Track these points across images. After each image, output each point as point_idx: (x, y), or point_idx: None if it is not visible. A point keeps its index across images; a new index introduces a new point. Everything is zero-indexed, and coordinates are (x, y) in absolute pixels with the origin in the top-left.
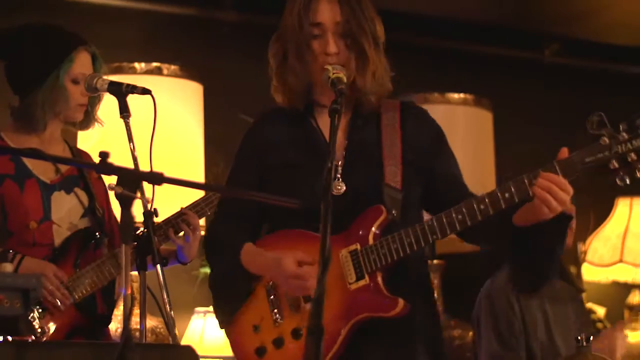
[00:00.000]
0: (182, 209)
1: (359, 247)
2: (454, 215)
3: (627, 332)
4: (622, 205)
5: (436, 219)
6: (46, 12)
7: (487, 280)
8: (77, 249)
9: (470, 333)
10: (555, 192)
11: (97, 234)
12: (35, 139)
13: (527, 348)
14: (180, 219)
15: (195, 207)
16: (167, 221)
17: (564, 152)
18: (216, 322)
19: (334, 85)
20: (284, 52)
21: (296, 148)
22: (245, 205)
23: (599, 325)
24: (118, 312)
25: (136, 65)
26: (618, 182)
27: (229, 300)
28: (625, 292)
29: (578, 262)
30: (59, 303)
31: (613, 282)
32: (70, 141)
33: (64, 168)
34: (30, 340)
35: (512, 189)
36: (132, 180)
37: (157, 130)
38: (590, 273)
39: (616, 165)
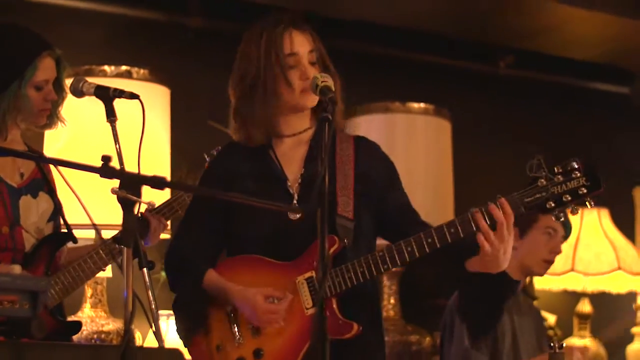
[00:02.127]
0: (148, 209)
1: (314, 274)
2: (403, 246)
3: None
4: (573, 216)
5: (387, 249)
6: (14, 14)
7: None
8: (48, 253)
9: (428, 338)
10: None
11: (68, 238)
12: None
13: (493, 354)
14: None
15: (167, 207)
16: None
17: (502, 199)
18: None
19: (324, 93)
20: (249, 90)
21: (255, 179)
22: (208, 227)
23: (550, 332)
24: (81, 314)
25: (106, 68)
26: (554, 219)
27: (190, 322)
28: (575, 301)
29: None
30: None
31: (563, 291)
32: (36, 142)
33: (27, 172)
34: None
35: (458, 225)
36: (134, 184)
37: (125, 134)
38: (541, 281)
39: (552, 204)
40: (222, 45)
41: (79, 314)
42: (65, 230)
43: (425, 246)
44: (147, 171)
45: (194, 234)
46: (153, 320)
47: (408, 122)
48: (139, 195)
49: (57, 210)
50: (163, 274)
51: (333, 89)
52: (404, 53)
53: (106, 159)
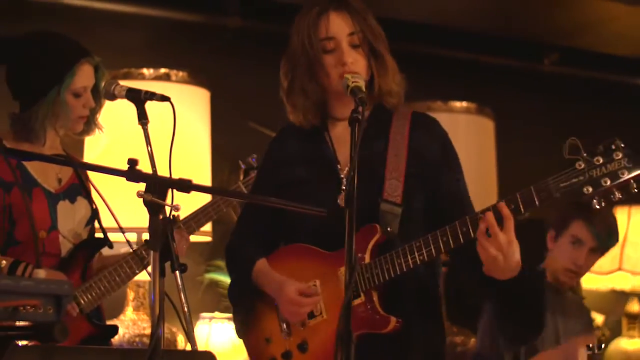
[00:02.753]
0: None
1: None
2: (439, 237)
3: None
4: (621, 214)
5: (423, 240)
6: (54, 18)
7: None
8: (84, 258)
9: (473, 339)
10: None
11: (103, 243)
12: (34, 148)
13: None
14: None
15: (203, 212)
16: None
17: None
18: (221, 327)
19: (354, 93)
20: (293, 73)
21: (306, 163)
22: (263, 220)
23: (598, 333)
24: (123, 317)
25: (145, 71)
26: (595, 205)
27: (242, 312)
28: (623, 300)
29: None
30: (72, 312)
31: (611, 290)
32: (76, 148)
33: (65, 177)
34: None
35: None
36: (161, 187)
37: (164, 137)
38: (589, 281)
39: (590, 189)
40: (261, 45)
41: (121, 317)
42: (101, 236)
43: (460, 236)
44: (187, 174)
45: (250, 226)
46: (186, 323)
47: (450, 121)
48: (165, 198)
49: (94, 215)
50: (207, 276)
51: (364, 89)
52: (447, 51)
53: (132, 162)
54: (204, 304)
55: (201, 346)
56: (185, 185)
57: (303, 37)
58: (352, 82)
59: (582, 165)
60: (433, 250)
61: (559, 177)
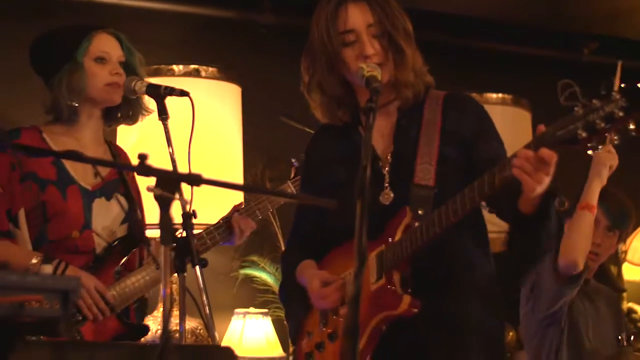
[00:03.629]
0: (234, 209)
1: (384, 247)
2: (449, 206)
3: None
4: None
5: (436, 212)
6: (85, 15)
7: (532, 276)
8: (119, 257)
9: (512, 333)
10: (527, 168)
11: (136, 244)
12: (73, 141)
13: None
14: (230, 221)
15: (248, 211)
16: (218, 226)
17: (540, 128)
18: (255, 322)
19: (369, 83)
20: (313, 68)
21: (345, 165)
22: (312, 223)
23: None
24: (158, 314)
25: (174, 67)
26: (590, 152)
27: (291, 314)
28: None
29: (618, 261)
30: (99, 316)
31: None
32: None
33: (104, 172)
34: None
35: (495, 172)
36: (171, 182)
37: (196, 132)
38: (630, 272)
39: (584, 134)
40: (293, 41)
41: (155, 313)
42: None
43: (468, 202)
44: (220, 170)
45: (300, 230)
46: (205, 318)
47: None
48: (176, 192)
49: (132, 212)
50: (241, 272)
51: (379, 79)
52: (483, 43)
53: (142, 157)
54: (238, 299)
55: (235, 342)
56: (195, 180)
57: (322, 31)
58: (368, 72)
59: (580, 111)
60: (453, 211)
61: (555, 125)
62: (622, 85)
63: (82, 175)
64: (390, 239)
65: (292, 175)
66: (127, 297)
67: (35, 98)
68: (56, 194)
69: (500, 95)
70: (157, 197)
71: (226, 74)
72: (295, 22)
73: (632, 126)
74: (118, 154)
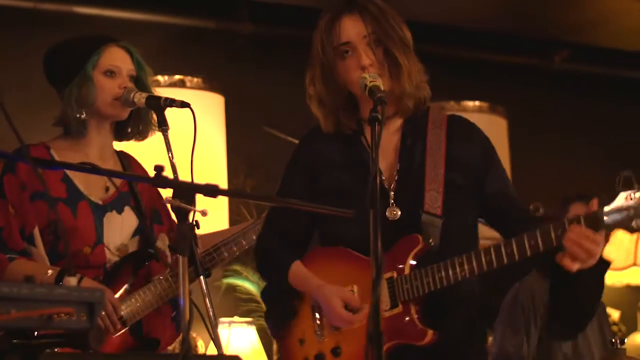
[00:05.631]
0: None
1: (395, 275)
2: (482, 256)
3: None
4: None
5: (466, 257)
6: (68, 28)
7: (515, 285)
8: (130, 271)
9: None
10: (585, 246)
11: (147, 258)
12: (81, 156)
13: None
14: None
15: (244, 235)
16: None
17: (594, 205)
18: (240, 331)
19: (372, 93)
20: (314, 81)
21: (349, 171)
22: (293, 221)
23: (614, 328)
24: None
25: (160, 78)
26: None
27: (279, 315)
28: (638, 295)
29: None
30: (111, 329)
31: (627, 286)
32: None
33: (114, 187)
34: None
35: (539, 238)
36: (188, 193)
37: (182, 143)
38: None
39: (638, 224)
40: (272, 50)
41: None
42: (151, 250)
43: (505, 257)
44: (204, 179)
45: (279, 227)
46: (211, 328)
47: None
48: (192, 203)
49: (142, 225)
50: (224, 281)
51: (382, 88)
52: (458, 51)
53: (159, 168)
54: (222, 308)
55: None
56: (212, 190)
57: (318, 45)
58: (370, 82)
59: (632, 199)
60: (478, 265)
61: (609, 209)
62: None
63: (92, 189)
64: (400, 265)
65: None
66: (137, 311)
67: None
68: (66, 211)
69: (477, 103)
70: (174, 209)
71: (210, 84)
72: (274, 31)
73: None
74: (130, 164)
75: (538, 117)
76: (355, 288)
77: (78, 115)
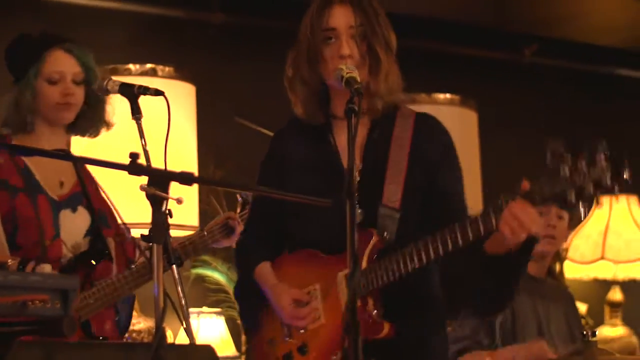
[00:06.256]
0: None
1: None
2: (430, 244)
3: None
4: (603, 203)
5: (415, 247)
6: (37, 15)
7: None
8: (84, 269)
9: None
10: (521, 218)
11: (96, 259)
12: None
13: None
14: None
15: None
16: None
17: (525, 185)
18: (209, 322)
19: (349, 84)
20: (297, 62)
21: (314, 172)
22: (271, 223)
23: (582, 321)
24: None
25: (131, 66)
26: (582, 216)
27: (248, 311)
28: (605, 289)
29: (560, 259)
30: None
31: (594, 279)
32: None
33: (68, 185)
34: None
35: (479, 221)
36: (163, 181)
37: (150, 132)
38: (571, 270)
39: (573, 198)
40: (244, 40)
41: None
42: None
43: (449, 243)
44: (174, 169)
45: (256, 226)
46: (184, 317)
47: (434, 113)
48: (167, 191)
49: (95, 225)
50: (193, 271)
51: (359, 80)
52: (428, 44)
53: (134, 156)
54: (191, 298)
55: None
56: (188, 178)
57: (306, 27)
58: (347, 73)
59: (567, 172)
60: (426, 255)
61: (543, 185)
62: (607, 152)
63: (49, 183)
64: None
65: (239, 210)
66: (90, 308)
67: None
68: (26, 201)
69: (448, 95)
70: (149, 196)
71: (181, 73)
72: (246, 21)
73: (618, 188)
74: (82, 166)
75: (508, 110)
76: (318, 286)
77: (22, 118)
